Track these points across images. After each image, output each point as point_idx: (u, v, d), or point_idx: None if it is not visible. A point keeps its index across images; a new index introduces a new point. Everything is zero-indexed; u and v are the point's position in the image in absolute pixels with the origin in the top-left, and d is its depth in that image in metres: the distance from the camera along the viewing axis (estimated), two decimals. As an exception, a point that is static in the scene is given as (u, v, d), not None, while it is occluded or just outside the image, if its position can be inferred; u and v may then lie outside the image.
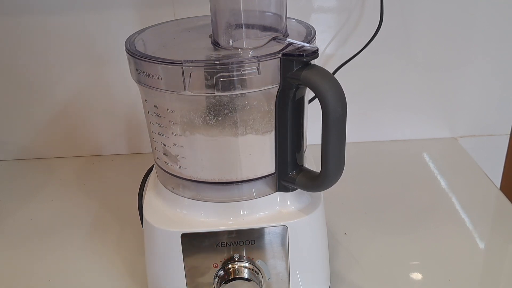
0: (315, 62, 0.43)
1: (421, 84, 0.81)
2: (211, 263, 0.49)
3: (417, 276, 0.58)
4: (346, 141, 0.44)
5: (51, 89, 0.80)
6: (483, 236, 0.64)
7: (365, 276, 0.58)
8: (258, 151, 0.46)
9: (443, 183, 0.75)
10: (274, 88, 0.44)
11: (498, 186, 0.85)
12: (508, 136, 0.86)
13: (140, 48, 0.46)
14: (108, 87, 0.80)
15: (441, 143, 0.85)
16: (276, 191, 0.49)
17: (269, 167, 0.48)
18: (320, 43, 0.77)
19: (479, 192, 0.73)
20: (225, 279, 0.48)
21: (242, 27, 0.44)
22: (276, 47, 0.44)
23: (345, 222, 0.67)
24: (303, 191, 0.50)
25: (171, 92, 0.43)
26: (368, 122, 0.84)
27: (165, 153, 0.48)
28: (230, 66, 0.41)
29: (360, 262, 0.60)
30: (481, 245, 0.62)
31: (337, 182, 0.45)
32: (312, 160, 0.55)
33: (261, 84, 0.43)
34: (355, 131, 0.84)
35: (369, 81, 0.80)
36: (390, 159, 0.82)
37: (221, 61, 0.42)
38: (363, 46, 0.74)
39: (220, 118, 0.44)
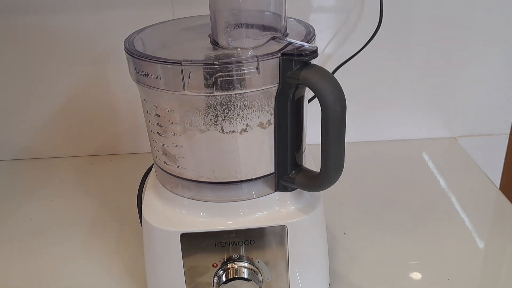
0: (314, 61, 0.43)
1: (421, 84, 0.81)
2: (210, 263, 0.49)
3: (416, 275, 0.58)
4: (345, 141, 0.44)
5: (51, 89, 0.80)
6: (483, 235, 0.64)
7: (364, 275, 0.58)
8: (257, 151, 0.46)
9: (442, 183, 0.75)
10: (273, 88, 0.44)
11: (498, 186, 0.85)
12: (508, 135, 0.86)
13: (139, 47, 0.46)
14: (107, 87, 0.80)
15: (440, 143, 0.85)
16: (275, 191, 0.49)
17: (269, 167, 0.47)
18: (319, 42, 0.77)
19: (478, 192, 0.73)
20: (225, 279, 0.48)
21: (241, 26, 0.44)
22: (275, 46, 0.44)
23: (344, 221, 0.67)
24: (303, 191, 0.50)
25: (170, 91, 0.43)
26: (367, 121, 0.84)
27: (164, 153, 0.48)
28: (229, 66, 0.41)
29: (360, 262, 0.60)
30: (481, 245, 0.62)
31: (336, 182, 0.45)
32: (311, 160, 0.55)
33: (260, 84, 0.43)
34: (355, 131, 0.83)
35: (369, 81, 0.80)
36: (389, 159, 0.82)
37: (220, 61, 0.41)
38: (362, 45, 0.74)
39: (219, 118, 0.44)
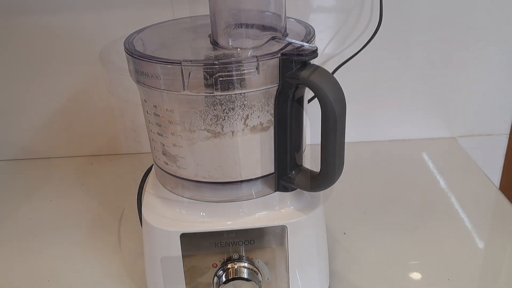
0: (314, 62, 0.43)
1: (421, 84, 0.81)
2: (210, 263, 0.49)
3: (416, 275, 0.58)
4: (345, 141, 0.44)
5: (51, 89, 0.80)
6: (482, 235, 0.64)
7: (364, 275, 0.58)
8: (257, 151, 0.46)
9: (442, 183, 0.75)
10: (273, 88, 0.43)
11: (497, 186, 0.85)
12: (507, 135, 0.85)
13: (139, 48, 0.46)
14: (107, 87, 0.80)
15: (440, 143, 0.85)
16: (275, 191, 0.49)
17: (269, 167, 0.47)
18: (319, 42, 0.77)
19: (478, 192, 0.73)
20: (225, 279, 0.48)
21: (241, 26, 0.44)
22: (275, 46, 0.43)
23: (344, 221, 0.67)
24: (303, 191, 0.50)
25: (170, 92, 0.43)
26: (367, 121, 0.84)
27: (164, 153, 0.48)
28: (229, 66, 0.41)
29: (360, 262, 0.60)
30: (480, 245, 0.62)
31: (336, 182, 0.45)
32: (312, 160, 0.55)
33: (260, 84, 0.43)
34: (355, 131, 0.83)
35: (369, 81, 0.80)
36: (389, 158, 0.82)
37: (220, 61, 0.41)
38: (362, 46, 0.74)
39: (219, 118, 0.44)
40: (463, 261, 0.59)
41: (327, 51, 0.78)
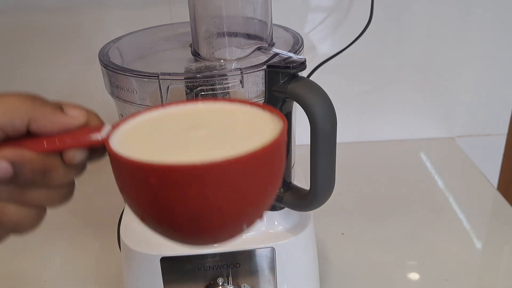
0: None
1: (418, 84, 0.80)
2: (193, 288, 0.46)
3: (414, 276, 0.58)
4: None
5: (46, 87, 0.78)
6: (480, 236, 0.64)
7: (362, 276, 0.58)
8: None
9: (440, 183, 0.74)
10: (259, 102, 0.41)
11: (495, 186, 0.85)
12: (505, 135, 0.85)
13: (115, 58, 0.43)
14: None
15: (438, 143, 0.85)
16: (262, 211, 0.46)
17: (255, 184, 0.45)
18: (317, 42, 0.75)
19: (476, 192, 0.73)
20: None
21: (223, 35, 0.41)
22: (261, 57, 0.41)
23: (342, 222, 0.67)
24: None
25: (147, 107, 0.40)
26: (365, 121, 0.83)
27: (143, 172, 0.45)
28: (211, 79, 0.39)
29: (357, 262, 0.59)
30: (478, 245, 0.62)
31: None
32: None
33: (245, 98, 0.40)
34: (352, 131, 0.82)
35: (367, 81, 0.79)
36: (387, 159, 0.81)
37: (201, 74, 0.39)
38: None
39: (201, 135, 0.41)
40: (461, 261, 0.59)
41: (325, 51, 0.75)
